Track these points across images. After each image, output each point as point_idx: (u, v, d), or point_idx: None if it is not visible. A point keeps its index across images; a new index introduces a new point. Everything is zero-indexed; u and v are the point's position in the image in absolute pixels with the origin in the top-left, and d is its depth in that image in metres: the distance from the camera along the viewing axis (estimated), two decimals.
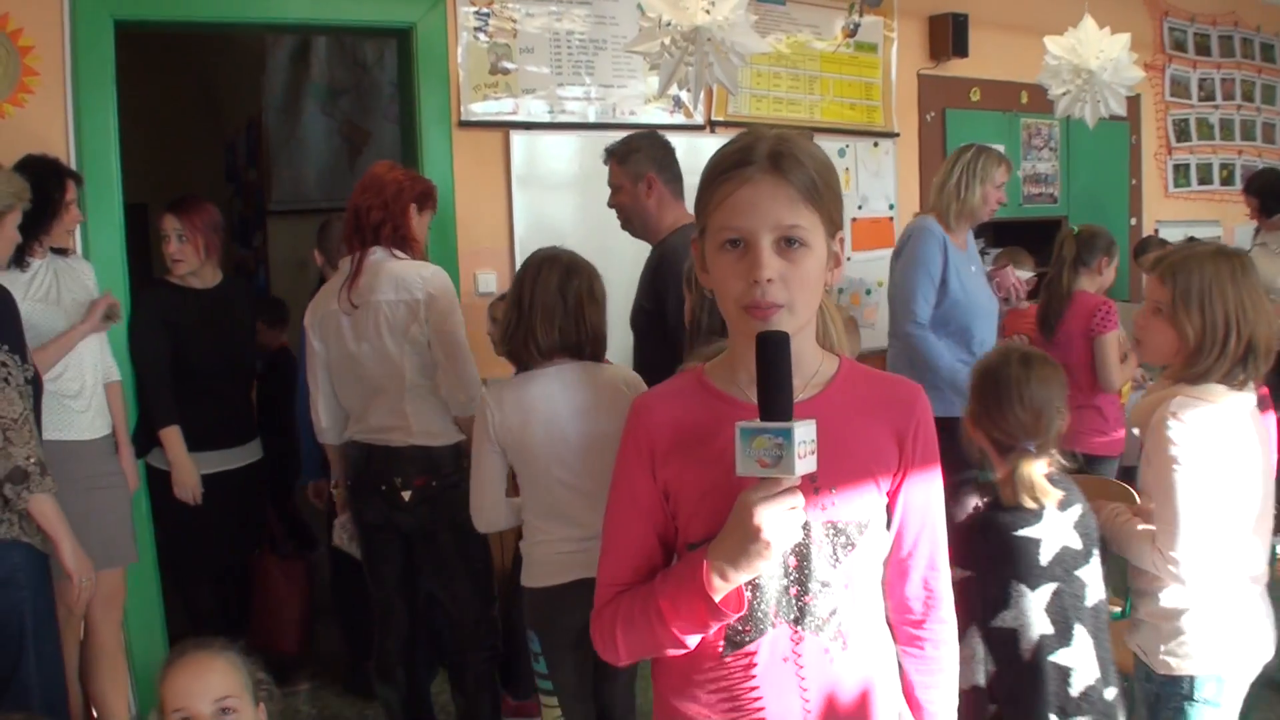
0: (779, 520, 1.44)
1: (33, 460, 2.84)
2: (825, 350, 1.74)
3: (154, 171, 6.74)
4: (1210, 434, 2.49)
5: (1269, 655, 2.62)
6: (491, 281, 4.83)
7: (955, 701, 1.84)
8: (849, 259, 5.83)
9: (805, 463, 1.42)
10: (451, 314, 3.43)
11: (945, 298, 4.29)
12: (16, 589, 2.87)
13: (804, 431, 1.42)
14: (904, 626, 1.79)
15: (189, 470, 4.00)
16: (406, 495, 3.45)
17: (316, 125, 7.56)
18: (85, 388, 3.66)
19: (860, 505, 1.64)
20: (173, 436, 4.00)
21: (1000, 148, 4.57)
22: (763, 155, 1.55)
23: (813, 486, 1.57)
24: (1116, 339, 4.53)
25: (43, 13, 3.93)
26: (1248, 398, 2.55)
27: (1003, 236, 6.78)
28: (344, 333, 3.49)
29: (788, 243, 1.54)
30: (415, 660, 3.77)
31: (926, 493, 1.73)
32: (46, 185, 3.48)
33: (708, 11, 3.72)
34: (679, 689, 1.71)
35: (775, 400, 1.44)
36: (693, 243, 1.68)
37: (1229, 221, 7.83)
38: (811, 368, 1.67)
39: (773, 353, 1.45)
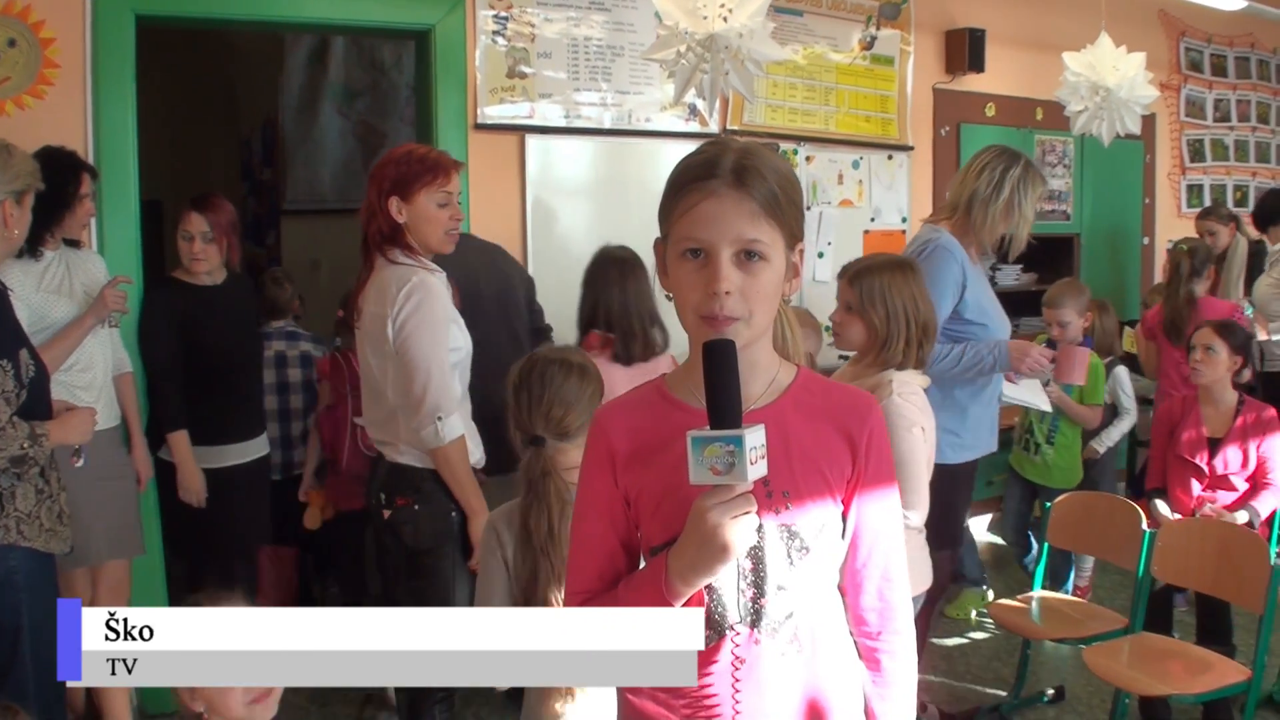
0: (733, 526, 1.46)
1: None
2: (783, 359, 1.76)
3: (170, 168, 6.79)
4: (923, 406, 3.10)
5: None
6: None
7: (912, 713, 1.84)
8: None
9: (756, 468, 1.44)
10: (417, 325, 3.15)
11: (963, 326, 3.87)
12: (13, 591, 2.85)
13: (754, 437, 1.43)
14: (862, 640, 1.79)
15: (194, 474, 4.00)
16: (387, 514, 3.31)
17: (332, 126, 7.59)
18: (95, 379, 3.67)
19: (815, 510, 1.65)
20: (179, 441, 4.00)
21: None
22: (727, 169, 1.57)
23: (766, 491, 1.59)
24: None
25: (65, 6, 3.95)
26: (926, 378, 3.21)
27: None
28: (362, 342, 3.38)
29: (747, 255, 1.56)
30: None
31: (880, 505, 1.73)
32: (61, 177, 3.48)
33: (725, 19, 3.73)
34: (641, 691, 1.72)
35: (724, 408, 1.45)
36: (655, 245, 1.70)
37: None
38: (769, 375, 1.69)
39: (719, 361, 1.46)
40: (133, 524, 3.78)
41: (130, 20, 4.07)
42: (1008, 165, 3.91)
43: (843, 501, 1.69)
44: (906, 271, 3.20)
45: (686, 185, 1.60)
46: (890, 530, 1.76)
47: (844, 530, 1.71)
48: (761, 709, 1.65)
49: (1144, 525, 3.92)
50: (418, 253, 3.28)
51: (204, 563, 4.24)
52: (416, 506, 3.27)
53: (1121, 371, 5.33)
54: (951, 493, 3.81)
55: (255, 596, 4.48)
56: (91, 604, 3.64)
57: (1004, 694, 4.36)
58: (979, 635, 4.84)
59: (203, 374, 4.10)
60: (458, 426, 3.21)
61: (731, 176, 1.56)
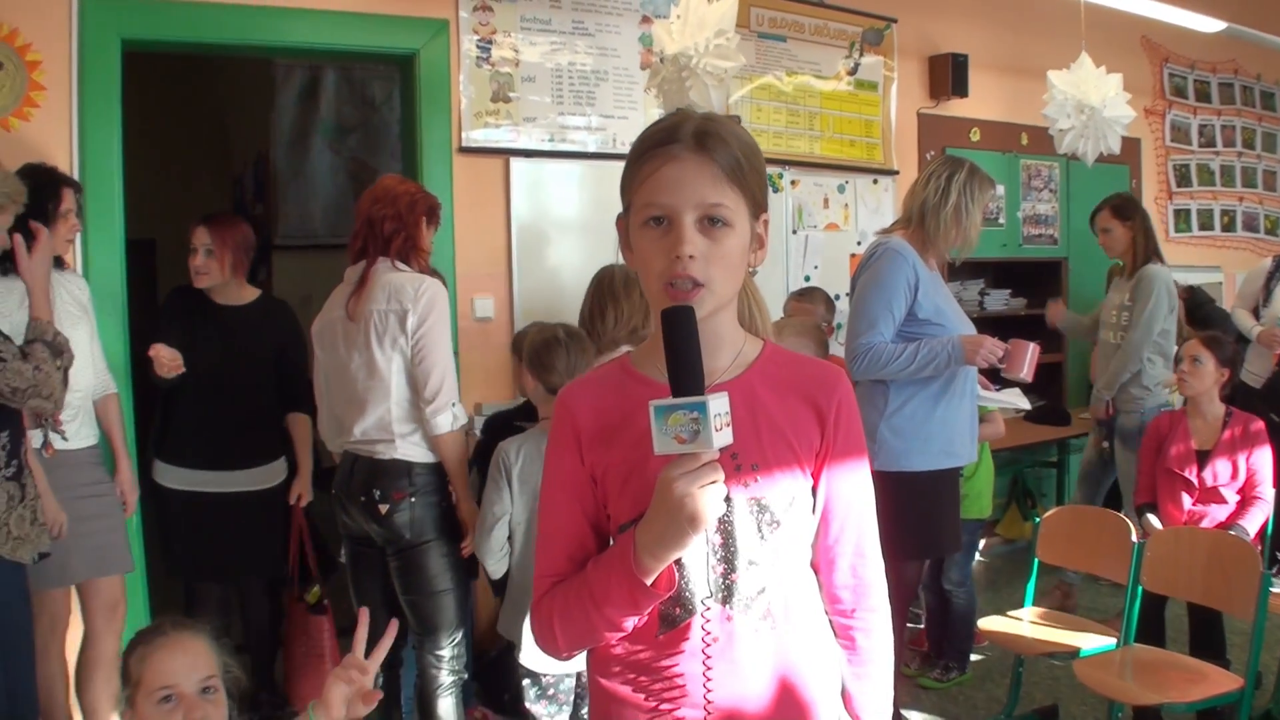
0: (701, 494, 1.42)
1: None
2: (748, 333, 1.74)
3: (163, 207, 6.80)
4: None
5: None
6: (489, 306, 4.84)
7: (888, 693, 1.80)
8: (847, 294, 5.84)
9: (722, 435, 1.41)
10: (436, 321, 3.45)
11: (919, 327, 3.86)
12: None
13: (718, 404, 1.41)
14: (836, 618, 1.76)
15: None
16: (384, 508, 3.45)
17: (324, 162, 7.62)
18: (75, 399, 3.59)
19: (784, 483, 1.63)
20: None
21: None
22: (688, 134, 1.56)
23: (735, 464, 1.57)
24: None
25: (51, 29, 3.96)
26: None
27: (1002, 277, 6.81)
28: (339, 342, 3.53)
29: (710, 221, 1.55)
30: (398, 680, 3.76)
31: (851, 478, 1.71)
32: (42, 193, 3.43)
33: (690, 39, 3.88)
34: (611, 671, 1.69)
35: (685, 375, 1.43)
36: (617, 221, 1.69)
37: (1230, 267, 7.87)
38: (734, 348, 1.68)
39: (678, 326, 1.44)
40: (118, 541, 3.73)
41: (117, 44, 4.08)
42: (953, 171, 3.96)
43: (812, 475, 1.67)
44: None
45: (647, 152, 1.59)
46: (862, 505, 1.74)
47: (814, 505, 1.69)
48: (735, 687, 1.61)
49: (1134, 537, 3.90)
50: (421, 268, 3.58)
51: (193, 589, 4.21)
52: (413, 499, 3.46)
53: None
54: (922, 500, 3.82)
55: (248, 629, 4.39)
56: (88, 623, 3.64)
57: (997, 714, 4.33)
58: (972, 656, 4.79)
59: (191, 389, 4.04)
60: (462, 415, 3.51)
61: (693, 141, 1.56)
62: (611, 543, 1.69)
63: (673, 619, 1.62)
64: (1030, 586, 4.32)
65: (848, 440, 1.69)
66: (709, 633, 1.61)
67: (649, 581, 1.51)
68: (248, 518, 4.12)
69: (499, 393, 4.70)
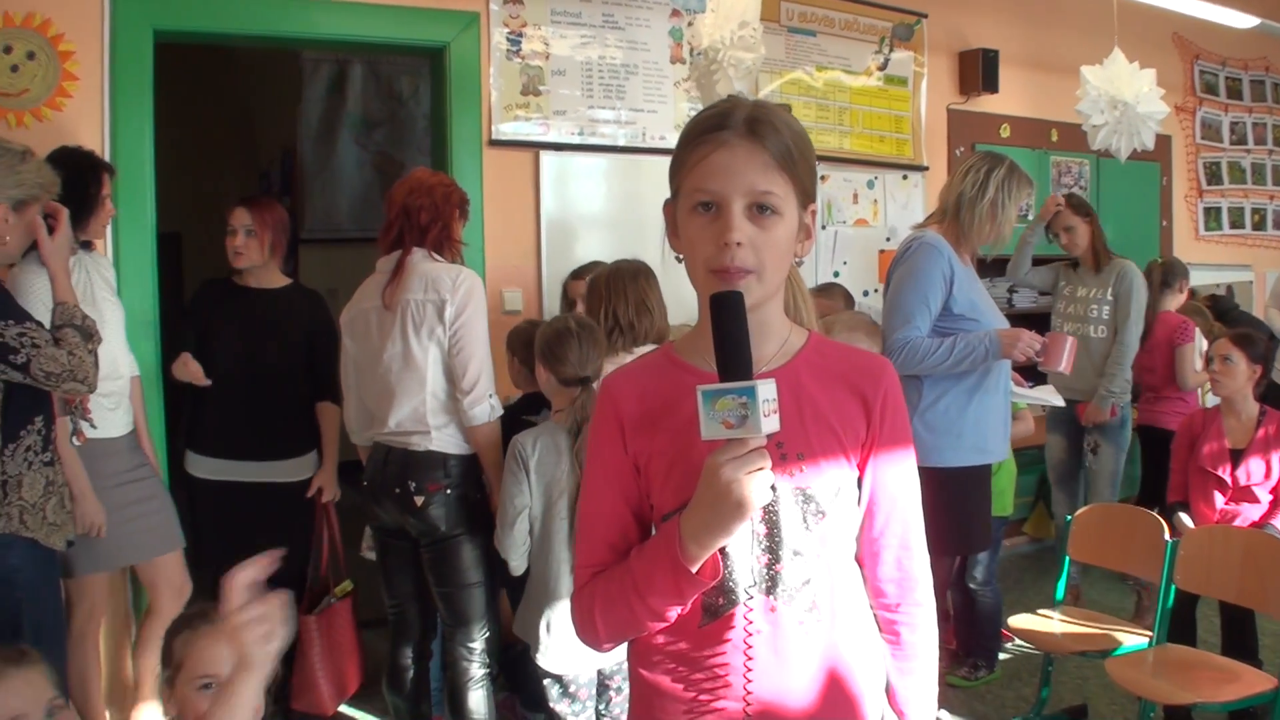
0: (748, 480, 1.41)
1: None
2: (793, 323, 1.73)
3: (189, 201, 6.82)
4: None
5: None
6: (518, 299, 4.85)
7: (934, 689, 1.78)
8: (876, 290, 5.83)
9: (770, 421, 1.39)
10: (475, 312, 3.44)
11: (954, 322, 3.83)
12: (11, 589, 2.80)
13: (766, 389, 1.39)
14: (880, 612, 1.75)
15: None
16: (419, 500, 3.44)
17: (350, 156, 7.66)
18: (117, 387, 3.62)
19: (830, 473, 1.61)
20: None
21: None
22: (739, 121, 1.55)
23: (780, 453, 1.55)
24: (1193, 349, 5.50)
25: (84, 19, 3.98)
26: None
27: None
28: (372, 332, 3.52)
29: (760, 209, 1.54)
30: (427, 671, 3.76)
31: (897, 470, 1.69)
32: (83, 178, 3.46)
33: (719, 32, 3.93)
34: (652, 662, 1.68)
35: (734, 359, 1.42)
36: (664, 206, 1.67)
37: (1260, 266, 7.81)
38: (780, 337, 1.66)
39: (727, 311, 1.43)
40: (170, 520, 3.74)
41: (149, 34, 4.10)
42: (993, 167, 3.93)
43: (858, 465, 1.65)
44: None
45: (698, 137, 1.58)
46: (907, 498, 1.72)
47: (860, 496, 1.67)
48: (776, 680, 1.60)
49: (1166, 535, 3.87)
50: (454, 258, 3.61)
51: (220, 579, 4.20)
52: (448, 491, 3.46)
53: None
54: (954, 497, 3.78)
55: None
56: (153, 600, 3.67)
57: (1026, 713, 4.30)
58: (1000, 655, 4.77)
59: (221, 379, 4.05)
60: (499, 406, 3.51)
61: (744, 128, 1.55)
62: (654, 532, 1.68)
63: (716, 609, 1.60)
64: (1061, 584, 4.29)
65: (894, 431, 1.68)
66: (751, 622, 1.59)
67: (694, 569, 1.49)
68: (279, 509, 4.11)
69: (529, 385, 4.67)
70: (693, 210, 1.57)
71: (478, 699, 3.56)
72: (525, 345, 3.82)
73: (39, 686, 2.05)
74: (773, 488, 1.50)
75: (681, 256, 1.64)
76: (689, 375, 1.62)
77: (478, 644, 3.55)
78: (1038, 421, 5.25)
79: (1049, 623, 4.09)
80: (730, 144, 1.54)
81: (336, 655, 4.17)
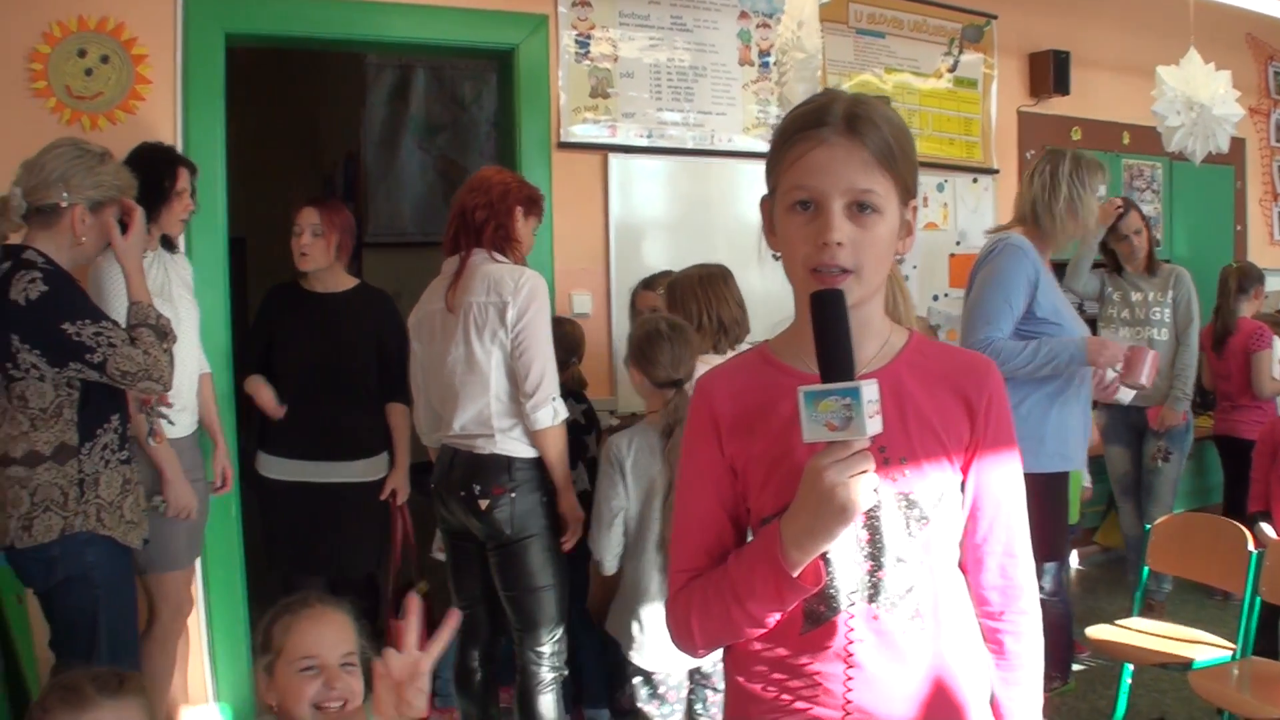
0: (852, 484, 1.37)
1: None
2: (893, 322, 1.68)
3: (253, 206, 6.86)
4: None
5: None
6: (587, 302, 4.84)
7: (1039, 701, 1.73)
8: (946, 295, 5.77)
9: (874, 423, 1.36)
10: (537, 314, 3.41)
11: (1036, 325, 3.75)
12: (89, 587, 2.82)
13: (870, 390, 1.36)
14: (984, 620, 1.69)
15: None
16: (484, 503, 3.42)
17: (413, 160, 7.68)
18: (183, 388, 3.59)
19: (933, 477, 1.57)
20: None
21: None
22: (838, 116, 1.51)
23: (883, 457, 1.50)
24: (1270, 356, 5.51)
25: (156, 23, 4.02)
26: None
27: None
28: (436, 334, 3.51)
29: (859, 208, 1.50)
30: (496, 675, 3.75)
31: (1001, 473, 1.65)
32: (157, 171, 3.47)
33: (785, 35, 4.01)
34: (749, 669, 1.64)
35: (837, 359, 1.38)
36: (761, 202, 1.64)
37: None
38: (881, 337, 1.62)
39: (829, 310, 1.40)
40: (201, 533, 3.74)
41: (220, 37, 4.13)
42: (1056, 164, 3.86)
43: (961, 469, 1.60)
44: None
45: (795, 134, 1.53)
46: (1012, 503, 1.67)
47: (963, 501, 1.63)
48: (877, 689, 1.55)
49: (1250, 546, 3.77)
50: (516, 259, 3.55)
51: (293, 582, 4.21)
52: (513, 494, 3.43)
53: None
54: (1034, 504, 3.68)
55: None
56: (154, 610, 3.60)
57: None
58: (1074, 666, 4.68)
59: (281, 381, 4.08)
60: (563, 409, 3.46)
61: (843, 124, 1.50)
62: (750, 537, 1.64)
63: (817, 616, 1.56)
64: (1139, 595, 4.20)
65: (998, 434, 1.63)
66: (853, 630, 1.55)
67: (795, 575, 1.45)
68: (350, 510, 4.13)
69: (597, 388, 4.67)
70: (790, 209, 1.53)
71: (547, 703, 3.54)
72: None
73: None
74: (875, 491, 1.45)
75: (778, 254, 1.60)
76: (786, 376, 1.59)
77: (546, 648, 3.52)
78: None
79: (1127, 633, 4.01)
80: (829, 141, 1.50)
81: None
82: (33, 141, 3.01)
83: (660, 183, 5.06)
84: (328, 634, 2.11)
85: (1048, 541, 3.86)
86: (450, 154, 7.75)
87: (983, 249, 3.98)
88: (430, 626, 4.02)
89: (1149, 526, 4.19)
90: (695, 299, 3.67)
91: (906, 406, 1.56)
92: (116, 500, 2.88)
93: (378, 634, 4.28)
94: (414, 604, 1.94)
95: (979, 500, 1.64)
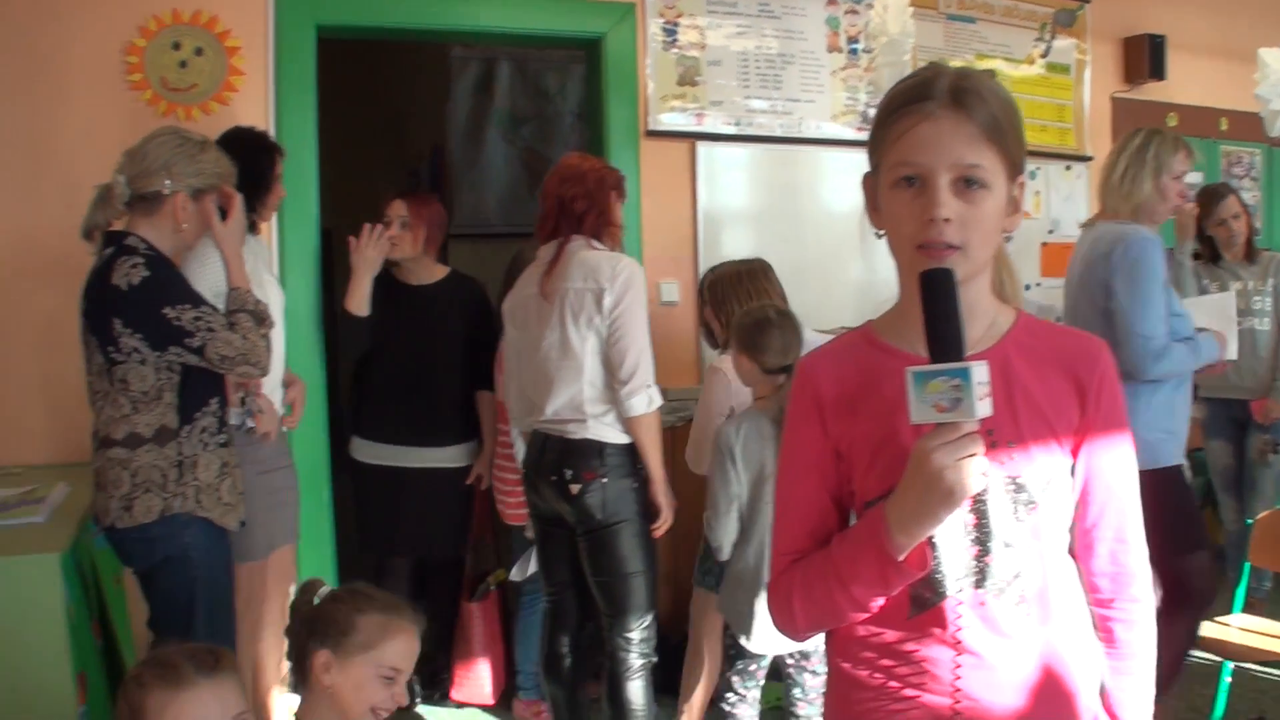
0: (961, 466, 1.34)
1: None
2: (1000, 302, 1.64)
3: (339, 199, 6.93)
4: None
5: None
6: (674, 291, 4.83)
7: (1150, 692, 1.67)
8: (1039, 284, 5.68)
9: (984, 405, 1.33)
10: (634, 301, 3.42)
11: (1173, 319, 3.61)
12: (188, 567, 2.86)
13: (980, 372, 1.33)
14: (1094, 608, 1.65)
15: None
16: (575, 488, 3.43)
17: (498, 152, 7.71)
18: (276, 383, 3.67)
19: (1042, 461, 1.53)
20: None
21: None
22: (943, 90, 1.48)
23: (990, 440, 1.46)
24: None
25: (249, 15, 4.11)
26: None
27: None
28: (531, 319, 3.53)
29: (967, 183, 1.47)
30: (585, 660, 3.76)
31: (1112, 457, 1.60)
32: (258, 159, 3.52)
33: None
34: (853, 654, 1.62)
35: (946, 339, 1.36)
36: (864, 180, 1.61)
37: None
38: (988, 317, 1.58)
39: (938, 289, 1.37)
40: (297, 512, 3.78)
41: (312, 29, 4.20)
42: (1134, 149, 3.72)
43: (1070, 453, 1.56)
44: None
45: (900, 109, 1.51)
46: (1124, 488, 1.62)
47: (1073, 485, 1.59)
48: (987, 676, 1.52)
49: None
50: (615, 243, 3.60)
51: (384, 564, 4.28)
52: (604, 479, 3.43)
53: None
54: (1180, 495, 3.71)
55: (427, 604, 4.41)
56: (261, 589, 3.61)
57: None
58: None
59: (379, 371, 4.16)
60: (658, 397, 3.46)
61: (948, 98, 1.47)
62: (853, 520, 1.62)
63: (923, 601, 1.54)
64: (1240, 591, 4.09)
65: (1110, 417, 1.58)
66: (961, 615, 1.52)
67: (900, 558, 1.43)
68: (438, 495, 4.21)
69: (684, 378, 4.66)
70: (895, 185, 1.50)
71: (635, 689, 3.54)
72: None
73: (228, 699, 2.06)
74: (984, 475, 1.42)
75: (882, 232, 1.57)
76: (890, 357, 1.56)
77: (635, 634, 3.52)
78: (1193, 425, 5.06)
79: (1228, 630, 3.91)
80: (934, 115, 1.47)
81: (497, 643, 4.21)
82: (129, 133, 3.07)
83: (748, 171, 5.05)
84: (413, 652, 2.21)
85: (1192, 534, 3.79)
86: (535, 146, 7.77)
87: (1108, 242, 3.72)
88: (504, 616, 4.05)
89: (1250, 521, 4.08)
90: (735, 295, 3.74)
91: (1014, 388, 1.53)
92: (214, 482, 2.92)
93: (457, 617, 4.37)
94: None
95: (1089, 484, 1.60)
